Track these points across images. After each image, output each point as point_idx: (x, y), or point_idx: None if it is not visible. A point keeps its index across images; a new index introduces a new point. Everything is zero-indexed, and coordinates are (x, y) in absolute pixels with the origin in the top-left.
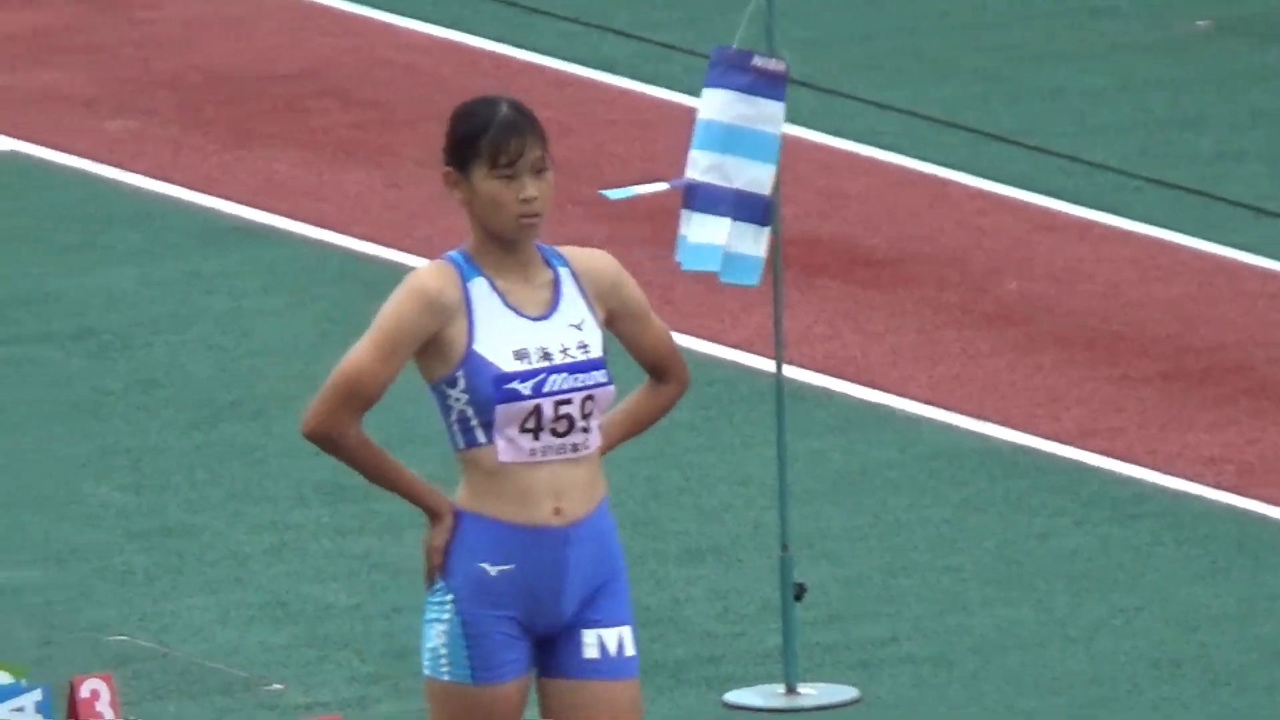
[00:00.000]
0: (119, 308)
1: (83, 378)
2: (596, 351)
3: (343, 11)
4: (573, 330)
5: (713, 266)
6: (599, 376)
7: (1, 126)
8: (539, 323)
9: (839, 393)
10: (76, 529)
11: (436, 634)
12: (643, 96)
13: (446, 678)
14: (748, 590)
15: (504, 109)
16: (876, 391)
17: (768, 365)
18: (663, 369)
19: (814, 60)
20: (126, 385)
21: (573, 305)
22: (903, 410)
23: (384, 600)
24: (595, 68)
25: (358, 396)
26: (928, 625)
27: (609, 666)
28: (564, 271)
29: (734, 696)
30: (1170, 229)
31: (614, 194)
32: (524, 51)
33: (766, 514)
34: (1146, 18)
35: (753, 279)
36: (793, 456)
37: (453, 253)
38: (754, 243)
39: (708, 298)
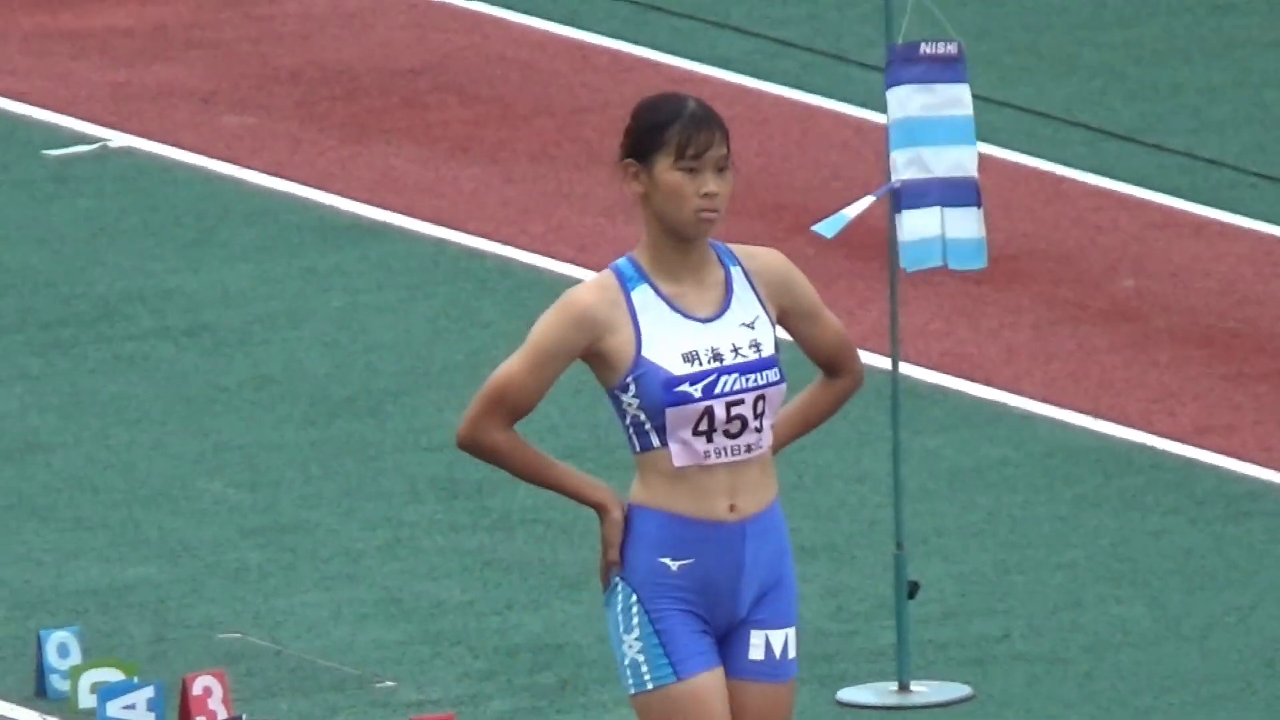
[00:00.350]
0: (235, 304)
1: (198, 374)
2: (769, 350)
3: (460, 7)
4: (745, 330)
5: (935, 261)
6: (771, 375)
7: (119, 122)
8: (709, 324)
9: (954, 390)
10: (190, 525)
11: (629, 645)
12: (760, 93)
13: (651, 686)
14: (861, 588)
15: (691, 103)
16: (991, 389)
17: (883, 362)
18: (836, 365)
19: None
20: (241, 381)
21: (745, 304)
22: (1017, 407)
23: (497, 596)
24: (712, 64)
25: (506, 406)
26: (1041, 623)
27: (772, 669)
28: (736, 271)
29: (847, 694)
30: None
31: (826, 229)
32: (640, 48)
33: (881, 511)
34: (1265, 13)
35: (979, 261)
36: (907, 453)
37: (620, 260)
38: (973, 225)
39: (822, 294)
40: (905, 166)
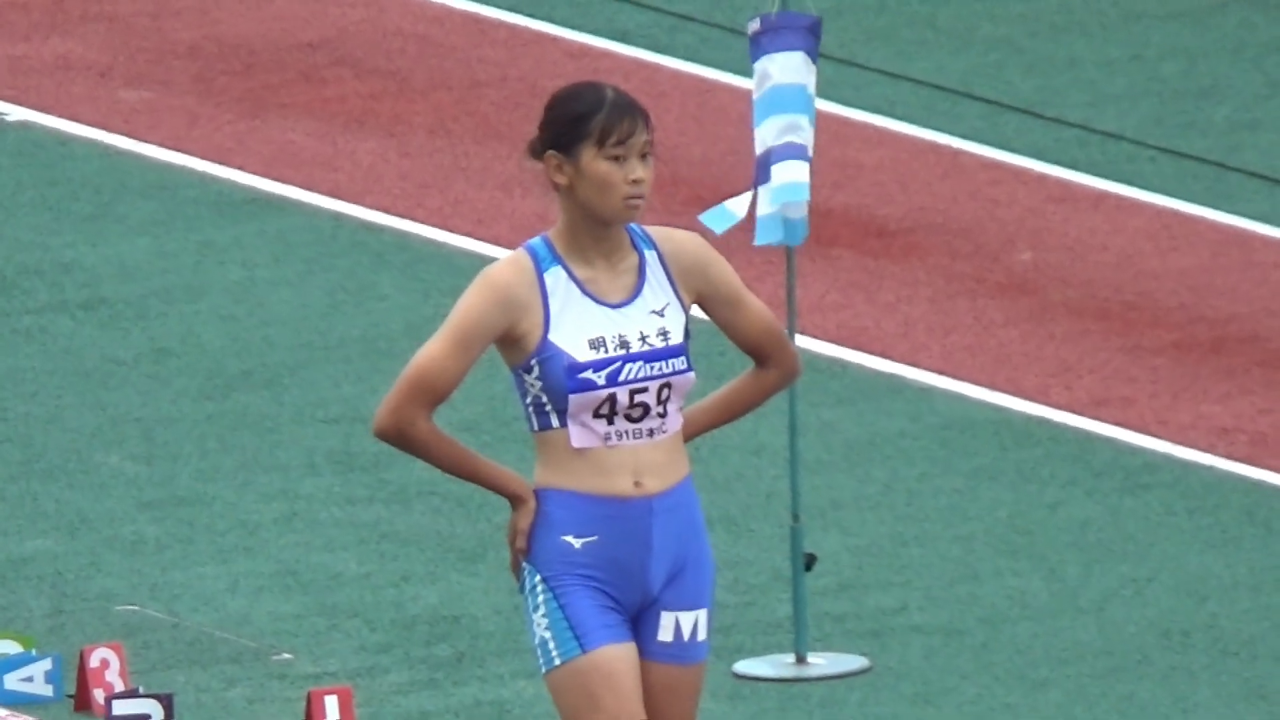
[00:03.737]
0: (132, 278)
1: (95, 347)
2: (677, 338)
3: None
4: (654, 317)
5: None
6: (678, 364)
7: (17, 96)
8: (619, 310)
9: (851, 363)
10: (87, 498)
11: (537, 624)
12: (657, 67)
13: (558, 661)
14: (758, 560)
15: (610, 92)
16: (889, 361)
17: None
18: (762, 355)
19: (830, 30)
20: (138, 355)
21: (656, 291)
22: (915, 380)
23: (393, 569)
24: (609, 38)
25: (428, 391)
26: (938, 595)
27: (679, 651)
28: (650, 255)
29: (744, 666)
30: (1184, 199)
31: (715, 223)
32: (537, 21)
33: (778, 484)
34: None
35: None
36: (804, 426)
37: (534, 240)
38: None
39: None
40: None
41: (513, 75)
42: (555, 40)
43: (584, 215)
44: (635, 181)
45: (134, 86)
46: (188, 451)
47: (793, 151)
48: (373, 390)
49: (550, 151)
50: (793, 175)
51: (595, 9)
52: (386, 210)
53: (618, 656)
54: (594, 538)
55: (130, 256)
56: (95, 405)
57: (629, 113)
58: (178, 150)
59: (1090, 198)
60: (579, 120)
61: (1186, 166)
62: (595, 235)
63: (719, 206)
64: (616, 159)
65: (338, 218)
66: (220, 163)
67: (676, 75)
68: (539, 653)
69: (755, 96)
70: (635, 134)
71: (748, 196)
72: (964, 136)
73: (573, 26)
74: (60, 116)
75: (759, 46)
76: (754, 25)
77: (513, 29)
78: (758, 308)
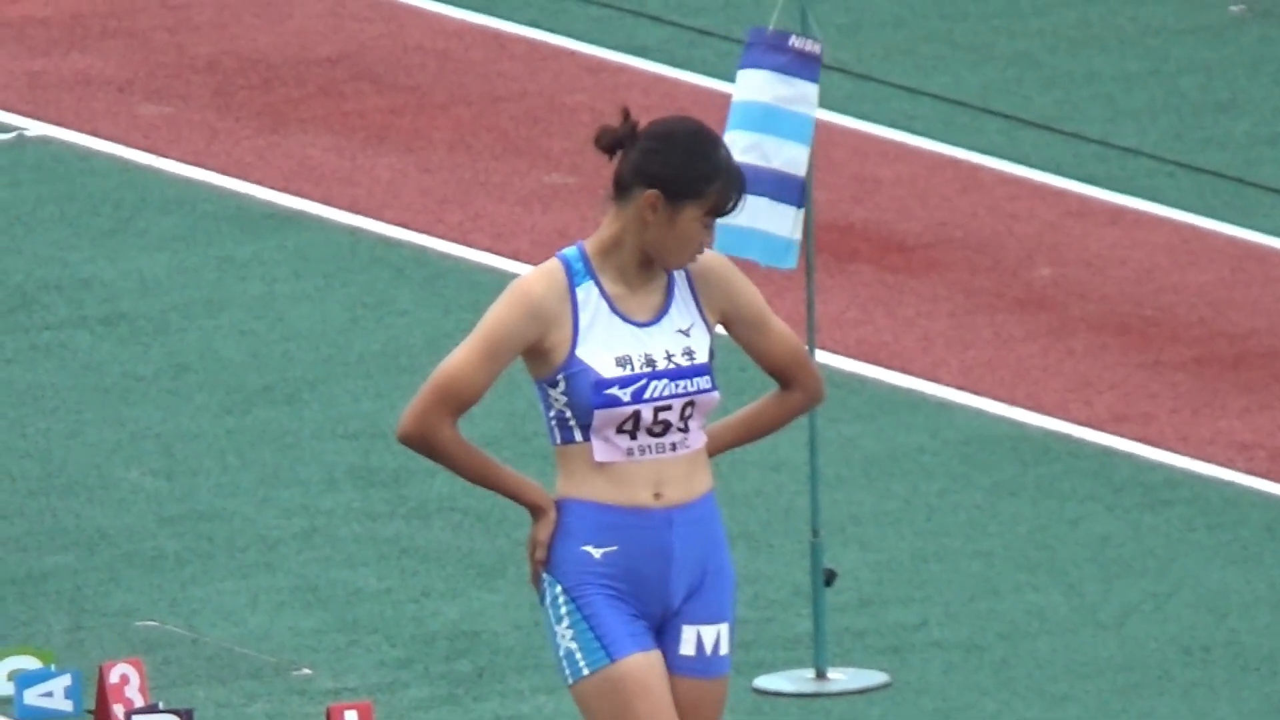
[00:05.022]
0: (152, 293)
1: (115, 362)
2: (702, 358)
3: None
4: (679, 336)
5: (750, 254)
6: (702, 383)
7: (36, 111)
8: (646, 328)
9: (871, 378)
10: (107, 514)
11: (561, 635)
12: (676, 82)
13: (586, 671)
14: (778, 575)
15: (725, 153)
16: (908, 377)
17: None
18: (786, 378)
19: (849, 45)
20: (158, 370)
21: (682, 311)
22: (934, 396)
23: (414, 585)
24: (628, 53)
25: (454, 399)
26: (958, 610)
27: (702, 665)
28: (678, 275)
29: (764, 682)
30: (1203, 214)
31: (781, 260)
32: (557, 36)
33: (798, 499)
34: (1180, 2)
35: (789, 261)
36: (824, 442)
37: (569, 250)
38: (789, 224)
39: None
40: (745, 150)
41: (532, 90)
42: (574, 55)
43: (637, 245)
44: (705, 245)
45: (154, 101)
46: (207, 467)
47: (750, 179)
48: (392, 406)
49: (654, 191)
50: (744, 219)
51: (614, 24)
52: (406, 225)
53: (647, 664)
54: (614, 548)
55: (150, 271)
56: (115, 420)
57: (738, 189)
58: (197, 165)
59: (1109, 213)
60: (699, 181)
61: (1205, 181)
62: (639, 259)
63: (762, 238)
64: (708, 225)
65: (357, 233)
66: (240, 177)
67: (695, 90)
68: (565, 664)
69: (779, 106)
70: (734, 209)
71: (793, 214)
72: (983, 151)
73: (592, 41)
74: (80, 132)
75: (795, 65)
76: (796, 41)
77: (532, 44)
78: (782, 331)
